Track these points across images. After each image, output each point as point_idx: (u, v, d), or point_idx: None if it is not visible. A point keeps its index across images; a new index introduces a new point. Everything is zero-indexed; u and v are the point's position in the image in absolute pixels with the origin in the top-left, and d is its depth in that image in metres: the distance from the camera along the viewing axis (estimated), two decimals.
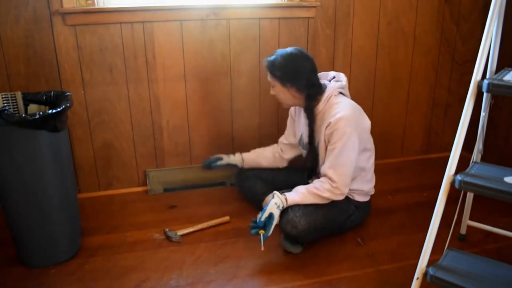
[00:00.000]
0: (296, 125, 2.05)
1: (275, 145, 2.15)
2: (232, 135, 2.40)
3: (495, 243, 1.83)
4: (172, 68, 2.20)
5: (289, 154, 2.12)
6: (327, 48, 2.35)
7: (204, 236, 1.93)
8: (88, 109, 2.17)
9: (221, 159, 2.11)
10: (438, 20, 2.47)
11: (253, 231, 1.71)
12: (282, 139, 2.13)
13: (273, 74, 1.82)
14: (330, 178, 1.74)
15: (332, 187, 1.73)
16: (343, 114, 1.72)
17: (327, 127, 1.75)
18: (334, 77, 1.89)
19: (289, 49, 1.82)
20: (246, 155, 2.13)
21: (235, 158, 2.12)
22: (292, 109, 2.08)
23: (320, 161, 1.84)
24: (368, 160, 1.89)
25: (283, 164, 2.14)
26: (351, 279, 1.65)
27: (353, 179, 1.83)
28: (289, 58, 1.79)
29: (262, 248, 1.69)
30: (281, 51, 1.82)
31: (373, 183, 1.96)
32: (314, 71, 1.83)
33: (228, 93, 2.32)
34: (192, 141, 2.36)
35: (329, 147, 1.76)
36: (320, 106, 1.80)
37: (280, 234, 1.85)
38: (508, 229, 1.72)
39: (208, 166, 2.12)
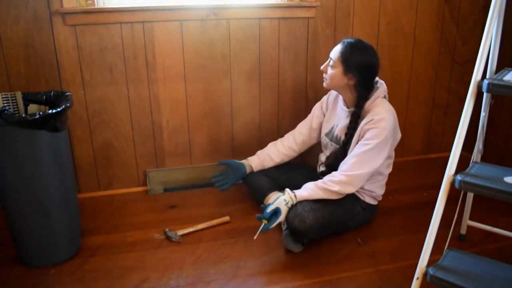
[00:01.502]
0: (328, 116, 2.02)
1: (283, 143, 2.10)
2: (232, 135, 2.40)
3: (495, 243, 1.83)
4: (172, 68, 2.20)
5: (301, 148, 2.11)
6: (327, 48, 2.34)
7: (204, 236, 1.93)
8: (88, 109, 2.17)
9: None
10: (438, 20, 2.47)
11: (258, 215, 1.72)
12: (295, 137, 2.08)
13: (344, 58, 1.79)
14: (348, 167, 1.74)
15: (344, 176, 1.73)
16: (387, 116, 1.75)
17: (368, 122, 1.75)
18: (377, 81, 1.89)
19: (368, 45, 1.82)
20: (254, 164, 2.07)
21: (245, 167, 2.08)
22: (325, 98, 2.06)
23: (348, 153, 1.84)
24: (388, 168, 1.92)
25: (294, 156, 2.12)
26: (351, 279, 1.65)
27: (369, 180, 1.85)
28: (368, 53, 1.79)
29: (255, 237, 1.69)
30: (361, 41, 1.81)
31: (383, 190, 1.98)
32: (377, 74, 1.84)
33: (228, 93, 2.32)
34: (192, 141, 2.36)
35: (361, 142, 1.76)
36: (366, 104, 1.81)
37: (280, 232, 1.86)
38: (508, 229, 1.72)
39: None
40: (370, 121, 1.75)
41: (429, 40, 2.50)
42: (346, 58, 1.78)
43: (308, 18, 2.28)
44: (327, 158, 1.96)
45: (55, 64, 2.06)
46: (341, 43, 1.82)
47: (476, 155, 1.66)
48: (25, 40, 1.99)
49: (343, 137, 1.87)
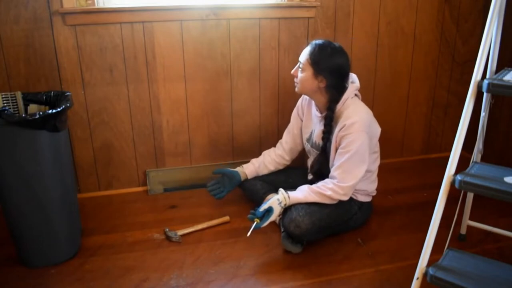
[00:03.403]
0: (305, 121, 2.02)
1: (275, 152, 2.11)
2: (232, 135, 2.40)
3: (495, 243, 1.83)
4: (172, 68, 2.20)
5: (292, 156, 2.12)
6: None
7: (204, 236, 1.93)
8: (88, 109, 2.17)
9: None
10: (438, 20, 2.47)
11: (250, 215, 1.74)
12: (283, 145, 2.10)
13: (313, 60, 1.77)
14: (337, 179, 1.74)
15: (336, 186, 1.73)
16: (358, 118, 1.73)
17: (341, 128, 1.74)
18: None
19: (337, 44, 1.80)
20: (248, 171, 2.08)
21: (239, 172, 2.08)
22: (299, 103, 2.06)
23: (330, 162, 1.84)
24: (374, 162, 1.90)
25: (287, 164, 2.14)
26: (351, 279, 1.65)
27: None
28: (336, 53, 1.77)
29: (248, 235, 1.71)
30: (330, 42, 1.79)
31: (376, 184, 1.97)
32: (348, 76, 1.82)
33: (228, 93, 2.32)
34: (192, 141, 2.36)
35: (340, 150, 1.75)
36: (337, 107, 1.79)
37: (279, 233, 1.86)
38: (508, 229, 1.72)
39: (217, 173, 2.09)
40: (343, 127, 1.73)
41: (429, 40, 2.50)
42: (315, 60, 1.76)
43: (308, 18, 2.28)
44: (311, 166, 1.96)
45: (55, 64, 2.06)
46: (309, 45, 1.81)
47: (476, 155, 1.66)
48: (25, 40, 1.99)
49: (321, 143, 1.87)
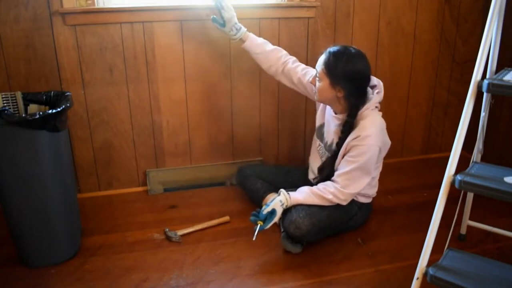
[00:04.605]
0: (319, 111, 1.98)
1: (285, 56, 1.99)
2: (232, 135, 2.40)
3: (495, 243, 1.83)
4: (172, 68, 2.20)
5: (286, 77, 2.00)
6: (327, 48, 2.34)
7: (204, 236, 1.93)
8: (88, 109, 2.17)
9: (223, 25, 1.92)
10: (438, 20, 2.47)
11: (252, 218, 1.73)
12: (297, 66, 1.96)
13: (328, 69, 1.70)
14: (340, 184, 1.74)
15: (338, 191, 1.74)
16: (374, 132, 1.71)
17: (354, 138, 1.71)
18: (375, 85, 1.81)
19: (354, 51, 1.71)
20: (250, 40, 1.96)
21: (236, 35, 1.94)
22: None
23: (335, 166, 1.83)
24: (376, 170, 1.89)
25: (276, 76, 2.02)
26: (351, 279, 1.65)
27: None
28: (353, 60, 1.69)
29: (254, 238, 1.70)
30: (346, 48, 1.71)
31: (376, 188, 1.97)
32: (369, 80, 1.76)
33: (228, 93, 2.32)
34: (192, 141, 2.36)
35: (348, 158, 1.74)
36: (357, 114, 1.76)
37: (279, 233, 1.86)
38: (508, 229, 1.73)
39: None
40: (357, 137, 1.70)
41: (429, 40, 2.50)
42: (330, 70, 1.70)
43: (308, 18, 2.28)
44: (320, 169, 1.93)
45: (55, 64, 2.06)
46: (324, 53, 1.74)
47: (476, 155, 1.66)
48: (25, 40, 1.99)
49: (334, 146, 1.84)
